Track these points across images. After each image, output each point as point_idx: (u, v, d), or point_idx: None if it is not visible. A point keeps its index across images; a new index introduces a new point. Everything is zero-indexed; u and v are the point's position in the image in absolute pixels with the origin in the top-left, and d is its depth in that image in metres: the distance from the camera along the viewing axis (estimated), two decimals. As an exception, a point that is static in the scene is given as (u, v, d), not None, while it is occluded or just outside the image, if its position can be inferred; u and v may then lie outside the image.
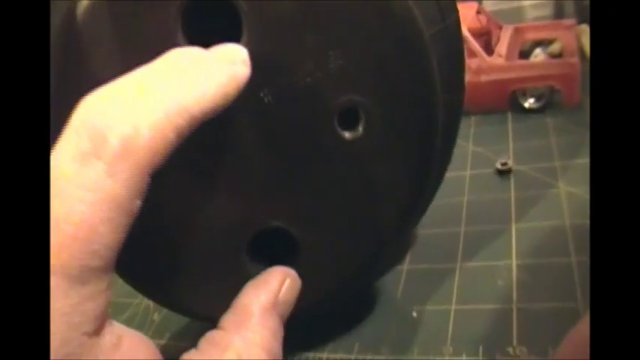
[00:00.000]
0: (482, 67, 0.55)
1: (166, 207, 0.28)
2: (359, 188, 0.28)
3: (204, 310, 0.31)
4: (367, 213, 0.29)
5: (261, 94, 0.26)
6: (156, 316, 0.41)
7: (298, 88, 0.26)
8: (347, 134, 0.27)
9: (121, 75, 0.22)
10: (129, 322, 0.42)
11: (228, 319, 0.27)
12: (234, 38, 0.25)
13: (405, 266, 0.39)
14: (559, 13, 0.72)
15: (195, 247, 0.29)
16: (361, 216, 0.29)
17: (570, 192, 0.42)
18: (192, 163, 0.27)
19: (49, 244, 0.19)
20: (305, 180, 0.28)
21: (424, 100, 0.27)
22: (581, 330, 0.21)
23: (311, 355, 0.34)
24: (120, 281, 0.44)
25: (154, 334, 0.40)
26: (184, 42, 0.25)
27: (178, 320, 0.39)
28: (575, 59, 0.53)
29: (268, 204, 0.28)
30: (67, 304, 0.20)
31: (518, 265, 0.36)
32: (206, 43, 0.25)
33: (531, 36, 0.64)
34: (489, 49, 0.59)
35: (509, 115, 0.55)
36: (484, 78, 0.55)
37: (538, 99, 0.55)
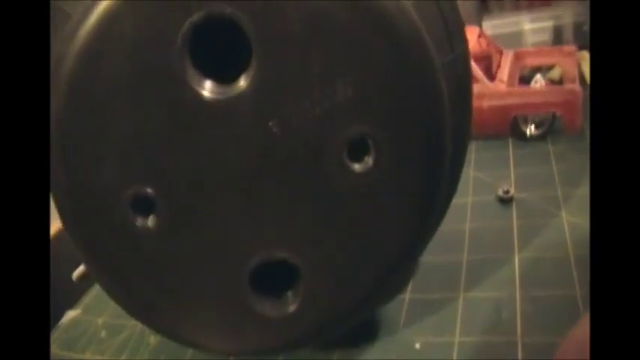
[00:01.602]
0: (484, 92, 0.55)
1: (168, 236, 0.28)
2: (365, 219, 0.28)
3: (204, 341, 0.30)
4: (372, 244, 0.28)
5: (270, 124, 0.25)
6: (152, 339, 0.41)
7: (307, 118, 0.25)
8: (356, 166, 0.26)
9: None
10: (124, 344, 0.41)
11: None
12: (239, 64, 0.25)
13: (408, 295, 0.39)
14: (558, 39, 0.72)
15: (197, 276, 0.29)
16: (366, 247, 0.28)
17: (573, 222, 0.42)
18: (194, 192, 0.27)
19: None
20: (310, 211, 0.27)
21: (434, 129, 0.27)
22: (581, 330, 0.21)
23: (311, 386, 0.34)
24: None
25: (149, 356, 0.39)
26: (192, 69, 0.25)
27: (175, 345, 0.38)
28: (577, 86, 0.53)
29: (271, 234, 0.28)
30: None
31: (521, 297, 0.36)
32: (216, 71, 0.25)
33: (532, 61, 0.64)
34: (490, 74, 0.59)
35: (510, 142, 0.55)
36: (486, 103, 0.55)
37: (539, 125, 0.55)
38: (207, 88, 0.25)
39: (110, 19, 0.24)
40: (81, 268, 0.49)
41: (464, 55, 0.31)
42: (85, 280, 0.49)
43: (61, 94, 0.26)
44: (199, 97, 0.25)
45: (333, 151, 0.26)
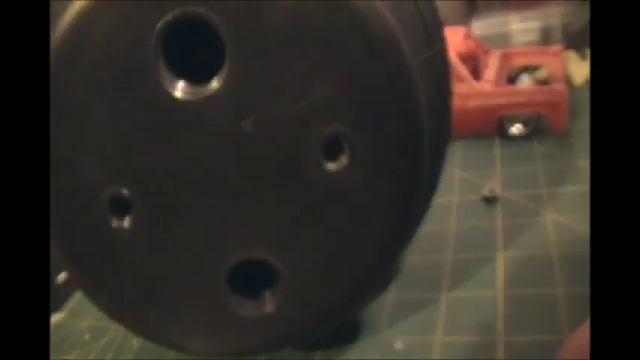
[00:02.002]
0: (470, 92, 0.55)
1: (145, 236, 0.28)
2: (343, 218, 0.28)
3: (183, 342, 0.30)
4: (351, 243, 0.28)
5: (243, 123, 0.25)
6: (135, 342, 0.41)
7: (281, 117, 0.25)
8: (331, 165, 0.26)
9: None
10: (108, 347, 0.41)
11: None
12: (216, 64, 0.25)
13: (390, 295, 0.39)
14: (546, 39, 0.72)
15: (175, 277, 0.28)
16: (344, 246, 0.28)
17: (557, 220, 0.42)
18: (170, 193, 0.27)
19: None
20: (286, 210, 0.27)
21: (410, 129, 0.27)
22: (582, 334, 0.21)
23: (292, 387, 0.33)
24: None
25: (133, 358, 0.39)
26: (165, 69, 0.25)
27: (157, 347, 0.38)
28: (562, 86, 0.53)
29: (248, 234, 0.28)
30: None
31: (504, 296, 0.36)
32: (187, 69, 0.24)
33: (518, 61, 0.64)
34: (477, 74, 0.59)
35: (497, 141, 0.55)
36: (472, 103, 0.55)
37: (525, 125, 0.55)
38: (180, 89, 0.25)
39: (85, 18, 0.24)
40: (64, 273, 0.49)
41: (442, 53, 0.31)
42: (69, 284, 0.49)
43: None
44: (172, 97, 0.25)
45: (308, 151, 0.26)
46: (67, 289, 0.49)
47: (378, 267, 0.30)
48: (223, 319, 0.29)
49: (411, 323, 0.36)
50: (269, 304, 0.29)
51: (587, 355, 0.19)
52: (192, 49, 0.25)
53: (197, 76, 0.25)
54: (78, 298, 0.48)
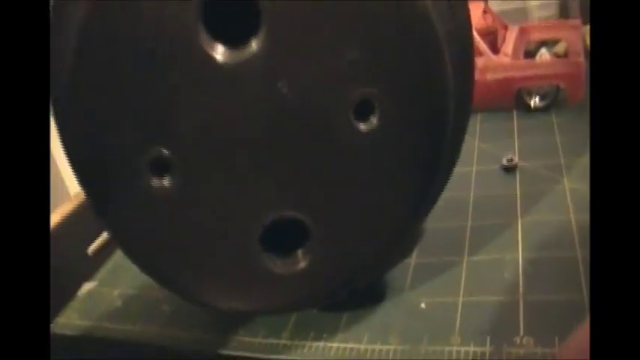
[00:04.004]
0: (489, 65, 0.56)
1: (183, 196, 0.29)
2: (371, 179, 0.29)
3: (216, 300, 0.31)
4: (379, 204, 0.29)
5: (279, 85, 0.26)
6: (165, 307, 0.42)
7: (315, 80, 0.26)
8: (362, 125, 0.27)
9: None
10: (139, 314, 0.42)
11: None
12: (253, 29, 0.26)
13: (413, 259, 0.40)
14: (564, 13, 0.73)
15: (210, 236, 0.30)
16: (373, 207, 0.29)
17: (575, 188, 0.43)
18: (207, 154, 0.28)
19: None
20: (319, 170, 0.28)
21: (437, 93, 0.28)
22: (582, 334, 0.22)
23: (322, 344, 0.35)
24: (129, 274, 0.45)
25: (163, 324, 0.40)
26: (204, 33, 0.26)
27: (187, 311, 0.40)
28: (580, 58, 0.54)
29: (282, 194, 0.29)
30: None
31: (524, 258, 0.37)
32: (225, 33, 0.26)
33: (537, 36, 0.65)
34: (495, 49, 0.60)
35: (515, 113, 0.56)
36: (490, 76, 0.56)
37: (543, 97, 0.56)
38: (220, 52, 0.26)
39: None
40: (96, 244, 0.51)
41: (465, 23, 0.32)
42: (100, 255, 0.50)
43: (72, 52, 0.27)
44: (213, 60, 0.26)
45: (340, 111, 0.27)
46: (98, 260, 0.50)
47: (404, 228, 0.31)
48: (257, 278, 0.31)
49: (433, 285, 0.37)
50: (302, 261, 0.30)
51: (587, 355, 0.19)
52: (228, 13, 0.26)
53: (233, 39, 0.27)
54: (109, 267, 0.49)
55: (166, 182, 0.28)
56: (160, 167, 0.28)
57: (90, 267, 0.49)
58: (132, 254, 0.31)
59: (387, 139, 0.28)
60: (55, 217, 0.55)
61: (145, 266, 0.31)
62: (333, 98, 0.27)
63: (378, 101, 0.27)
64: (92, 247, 0.51)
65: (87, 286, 0.47)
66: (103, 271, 0.49)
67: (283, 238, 0.30)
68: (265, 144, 0.28)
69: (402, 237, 0.32)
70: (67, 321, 0.43)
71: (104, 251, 0.51)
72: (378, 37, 0.26)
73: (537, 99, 0.56)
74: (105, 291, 0.46)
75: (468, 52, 0.33)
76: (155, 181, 0.28)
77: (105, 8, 0.26)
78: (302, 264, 0.30)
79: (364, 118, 0.27)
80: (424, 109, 0.28)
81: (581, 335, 0.21)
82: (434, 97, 0.28)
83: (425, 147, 0.29)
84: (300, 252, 0.30)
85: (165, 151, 0.28)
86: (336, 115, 0.27)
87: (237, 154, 0.28)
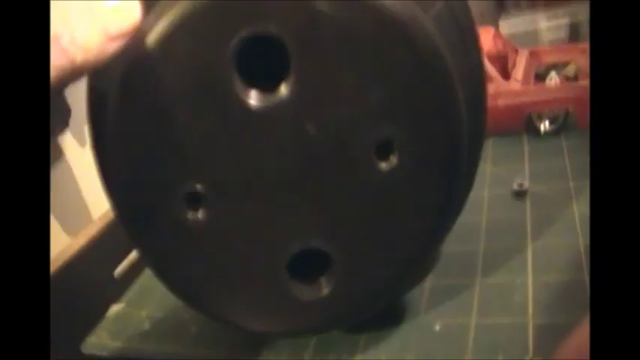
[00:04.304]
0: (499, 91, 0.58)
1: (216, 227, 0.31)
2: (391, 211, 0.31)
3: (245, 321, 0.34)
4: (398, 236, 0.32)
5: (307, 127, 0.28)
6: (192, 329, 0.44)
7: (339, 121, 0.28)
8: (382, 164, 0.29)
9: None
10: (165, 335, 0.44)
11: None
12: (282, 74, 0.28)
13: (429, 282, 0.42)
14: (574, 36, 0.74)
15: (241, 264, 0.32)
16: (392, 238, 0.32)
17: (583, 212, 0.44)
18: (239, 189, 0.30)
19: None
20: (342, 205, 0.30)
21: (451, 131, 0.30)
22: (581, 334, 0.22)
23: (341, 364, 0.37)
24: (155, 296, 0.47)
25: (190, 344, 0.42)
26: (238, 80, 0.28)
27: (213, 332, 0.42)
28: (588, 82, 0.55)
29: (307, 226, 0.31)
30: None
31: (533, 282, 0.39)
32: (257, 78, 0.28)
33: (547, 59, 0.67)
34: (506, 73, 0.61)
35: (525, 138, 0.58)
36: (501, 102, 0.58)
37: (553, 121, 0.57)
38: (253, 97, 0.28)
39: (170, 37, 0.28)
40: (122, 266, 0.53)
41: (478, 62, 0.34)
42: (127, 277, 0.52)
43: (116, 97, 0.29)
44: (246, 105, 0.28)
45: (362, 151, 0.29)
46: (125, 282, 0.52)
47: (421, 255, 0.33)
48: (284, 303, 0.33)
49: (448, 307, 0.39)
50: (325, 288, 0.32)
51: (587, 355, 0.20)
52: (261, 58, 0.28)
53: (264, 83, 0.29)
54: (136, 289, 0.51)
55: (200, 214, 0.30)
56: (194, 201, 0.30)
57: (117, 289, 0.51)
58: (165, 279, 0.33)
59: (406, 176, 0.30)
60: (81, 240, 0.57)
61: (177, 290, 0.34)
62: (356, 139, 0.29)
63: (397, 141, 0.29)
64: (118, 270, 0.52)
65: (115, 308, 0.49)
66: (130, 293, 0.51)
67: (309, 265, 0.32)
68: (293, 180, 0.30)
69: (420, 264, 0.34)
70: (98, 341, 0.45)
71: (130, 273, 0.52)
72: (396, 82, 0.28)
73: (547, 123, 0.57)
74: (132, 312, 0.48)
75: (481, 86, 0.35)
76: (189, 214, 0.30)
77: (146, 58, 0.28)
78: (325, 290, 0.32)
79: (385, 157, 0.29)
80: (439, 147, 0.30)
81: (581, 335, 0.21)
82: (448, 135, 0.30)
83: (441, 181, 0.31)
84: (323, 279, 0.32)
85: (199, 186, 0.30)
86: (358, 155, 0.29)
87: (267, 189, 0.30)
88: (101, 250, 0.57)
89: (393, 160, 0.29)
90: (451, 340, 0.36)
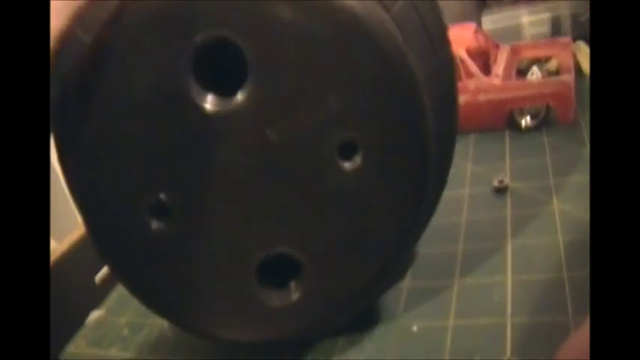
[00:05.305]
0: (480, 87, 0.57)
1: (182, 237, 0.31)
2: (359, 213, 0.30)
3: (215, 330, 0.33)
4: (367, 236, 0.31)
5: (267, 132, 0.28)
6: (170, 335, 0.43)
7: (301, 127, 0.28)
8: (346, 164, 0.29)
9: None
10: (144, 342, 0.44)
11: None
12: (240, 80, 0.28)
13: (406, 283, 0.41)
14: (556, 30, 0.74)
15: (208, 272, 0.31)
16: (361, 239, 0.31)
17: (564, 209, 0.44)
18: (203, 197, 0.30)
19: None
20: (308, 208, 0.30)
21: (417, 135, 0.29)
22: (581, 334, 0.22)
23: (316, 368, 0.36)
24: (135, 302, 0.46)
25: (169, 351, 0.42)
26: (195, 84, 0.27)
27: (191, 340, 0.41)
28: (569, 77, 0.55)
29: (274, 231, 0.31)
30: None
31: (512, 281, 0.38)
32: (214, 83, 0.27)
33: (528, 54, 0.66)
34: (487, 69, 0.61)
35: (507, 134, 0.57)
36: (482, 98, 0.57)
37: (534, 117, 0.57)
38: (209, 102, 0.28)
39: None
40: (103, 272, 0.52)
41: (448, 59, 0.34)
42: (107, 283, 0.52)
43: (67, 101, 0.28)
44: (202, 110, 0.28)
45: (325, 153, 0.29)
46: (105, 288, 0.51)
47: (393, 257, 0.33)
48: (253, 310, 0.32)
49: (426, 309, 0.38)
50: (295, 293, 0.32)
51: (587, 355, 0.20)
52: (217, 64, 0.28)
53: (222, 88, 0.28)
54: (116, 296, 0.51)
55: (165, 224, 0.30)
56: (159, 211, 0.30)
57: (97, 295, 0.51)
58: (133, 289, 0.33)
59: (372, 176, 0.29)
60: (63, 246, 0.57)
61: (147, 301, 0.33)
62: (319, 142, 0.28)
63: (361, 142, 0.28)
64: (99, 276, 0.52)
65: (95, 314, 0.49)
66: (110, 300, 0.51)
67: (277, 271, 0.32)
68: (257, 186, 0.29)
69: (392, 265, 0.33)
70: (77, 350, 0.45)
71: (111, 280, 0.52)
72: (357, 83, 0.28)
73: (529, 118, 0.57)
74: (112, 319, 0.48)
75: (450, 83, 0.35)
76: (154, 224, 0.30)
77: (99, 59, 0.27)
78: (295, 296, 0.32)
79: (348, 157, 0.29)
80: (405, 147, 0.29)
81: (581, 335, 0.21)
82: (413, 134, 0.29)
83: (408, 182, 0.30)
84: (292, 284, 0.32)
85: (163, 196, 0.29)
86: (321, 157, 0.29)
87: (231, 197, 0.30)
88: (83, 255, 0.57)
89: (357, 160, 0.29)
90: (429, 341, 0.36)
